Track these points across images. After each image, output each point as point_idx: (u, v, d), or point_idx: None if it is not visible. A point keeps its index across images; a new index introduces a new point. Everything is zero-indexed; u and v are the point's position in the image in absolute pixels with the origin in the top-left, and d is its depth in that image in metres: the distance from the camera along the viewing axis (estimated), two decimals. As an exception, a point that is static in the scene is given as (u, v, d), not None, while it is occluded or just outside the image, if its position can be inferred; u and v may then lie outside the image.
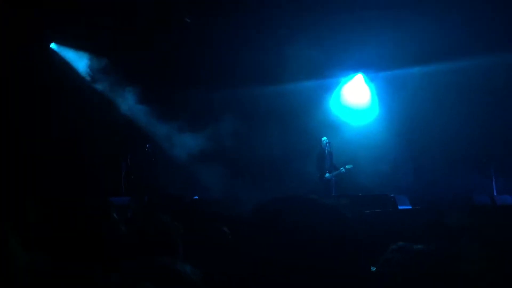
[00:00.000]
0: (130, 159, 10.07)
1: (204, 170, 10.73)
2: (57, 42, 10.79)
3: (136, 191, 9.53)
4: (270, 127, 11.50)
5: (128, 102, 10.85)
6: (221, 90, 11.50)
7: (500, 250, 1.96)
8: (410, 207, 8.52)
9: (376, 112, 11.82)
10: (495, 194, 9.61)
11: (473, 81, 10.27)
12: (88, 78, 10.71)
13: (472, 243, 2.06)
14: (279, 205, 1.48)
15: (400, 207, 8.27)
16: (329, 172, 10.46)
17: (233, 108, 11.38)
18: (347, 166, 10.42)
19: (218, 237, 2.53)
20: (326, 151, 10.52)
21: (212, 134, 11.04)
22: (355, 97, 12.12)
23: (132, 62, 10.58)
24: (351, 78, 12.13)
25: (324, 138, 10.63)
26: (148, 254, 1.92)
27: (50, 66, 10.29)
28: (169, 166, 11.04)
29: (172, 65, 11.02)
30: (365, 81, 12.01)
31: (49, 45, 10.72)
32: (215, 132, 11.07)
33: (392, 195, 8.71)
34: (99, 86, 10.76)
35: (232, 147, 11.19)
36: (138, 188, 9.72)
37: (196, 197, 9.29)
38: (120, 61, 10.64)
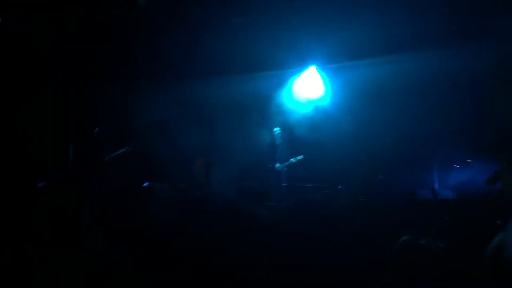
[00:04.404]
0: (78, 143, 9.76)
1: (155, 158, 10.57)
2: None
3: (83, 177, 9.28)
4: (221, 118, 11.47)
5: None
6: (170, 79, 11.32)
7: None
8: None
9: (327, 104, 12.02)
10: (436, 187, 10.07)
11: (419, 76, 10.60)
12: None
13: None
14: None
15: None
16: (280, 163, 10.59)
17: (182, 98, 11.26)
18: (298, 157, 10.58)
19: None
20: (278, 142, 10.64)
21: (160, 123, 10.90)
22: (307, 89, 12.27)
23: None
24: (304, 70, 12.26)
25: (276, 129, 10.76)
26: None
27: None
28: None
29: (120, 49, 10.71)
30: (319, 73, 12.18)
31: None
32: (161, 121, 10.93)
33: (340, 186, 8.93)
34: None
35: (187, 135, 11.08)
36: (85, 174, 9.45)
37: (147, 183, 9.17)
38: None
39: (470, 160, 10.99)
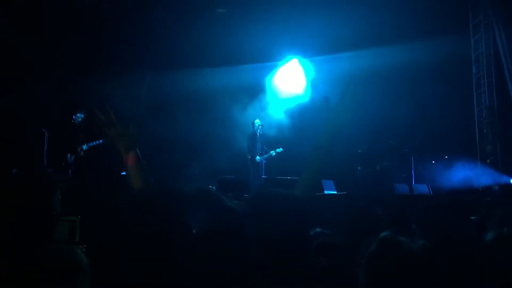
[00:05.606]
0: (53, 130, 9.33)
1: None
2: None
3: (61, 165, 8.99)
4: (204, 110, 11.39)
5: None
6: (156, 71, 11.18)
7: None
8: (336, 192, 8.83)
9: (309, 97, 12.01)
10: (413, 183, 10.20)
11: (400, 71, 10.66)
12: None
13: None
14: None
15: (326, 192, 8.54)
16: (260, 155, 10.56)
17: (169, 90, 11.14)
18: (278, 150, 10.57)
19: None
20: (258, 133, 10.59)
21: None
22: (290, 81, 12.25)
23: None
24: (286, 62, 12.23)
25: (257, 121, 10.68)
26: None
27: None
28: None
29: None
30: (301, 65, 12.16)
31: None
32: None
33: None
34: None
35: (168, 127, 10.95)
36: (62, 162, 9.14)
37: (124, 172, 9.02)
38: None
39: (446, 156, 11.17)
